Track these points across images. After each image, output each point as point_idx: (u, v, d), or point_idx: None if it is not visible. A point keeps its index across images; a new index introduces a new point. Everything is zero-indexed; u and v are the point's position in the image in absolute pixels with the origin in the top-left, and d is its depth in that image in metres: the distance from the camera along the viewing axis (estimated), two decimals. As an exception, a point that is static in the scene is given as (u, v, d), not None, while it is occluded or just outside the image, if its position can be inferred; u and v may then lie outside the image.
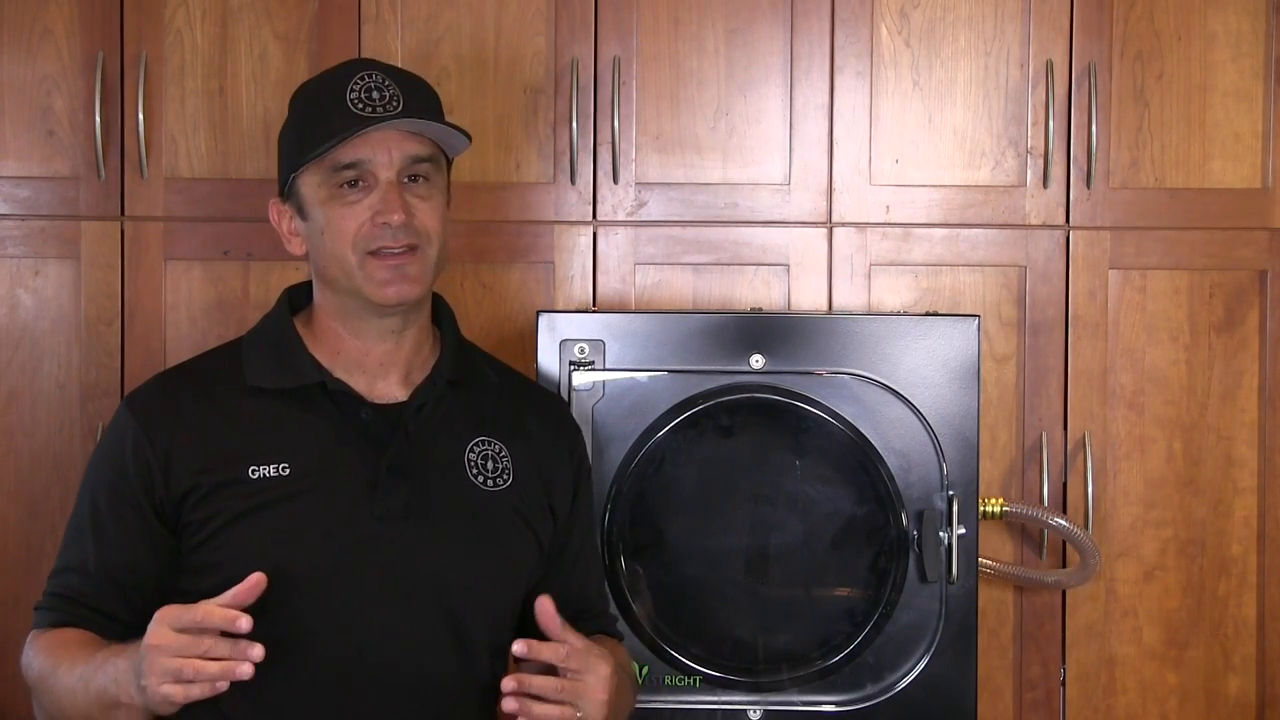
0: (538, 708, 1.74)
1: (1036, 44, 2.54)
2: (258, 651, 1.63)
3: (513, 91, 2.54)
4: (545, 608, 1.78)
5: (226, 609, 1.64)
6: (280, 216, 1.95)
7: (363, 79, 1.88)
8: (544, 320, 2.29)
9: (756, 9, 2.54)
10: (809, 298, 2.53)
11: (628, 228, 2.53)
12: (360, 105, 1.86)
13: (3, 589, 2.53)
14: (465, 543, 1.88)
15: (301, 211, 1.91)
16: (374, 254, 1.86)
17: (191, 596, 1.70)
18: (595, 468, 2.17)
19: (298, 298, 1.99)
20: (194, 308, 2.53)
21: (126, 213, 2.53)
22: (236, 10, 2.54)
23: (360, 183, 1.86)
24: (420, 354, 1.97)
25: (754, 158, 2.55)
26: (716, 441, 2.31)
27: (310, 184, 1.88)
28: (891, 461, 2.28)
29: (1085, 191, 2.53)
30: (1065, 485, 2.52)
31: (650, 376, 2.29)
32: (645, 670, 2.26)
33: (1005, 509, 2.42)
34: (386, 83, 1.88)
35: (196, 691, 1.63)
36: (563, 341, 2.28)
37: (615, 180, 2.52)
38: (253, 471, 1.83)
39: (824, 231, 2.54)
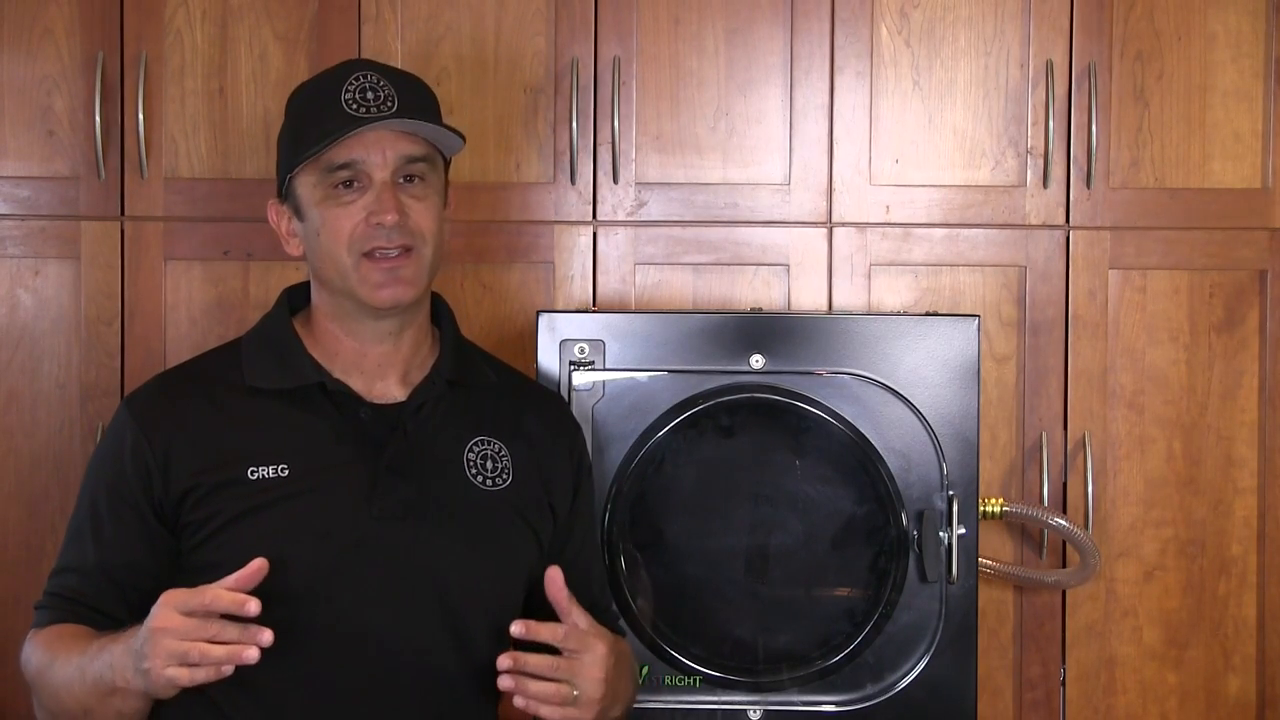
0: (533, 685, 1.75)
1: (1036, 44, 2.54)
2: (267, 636, 1.63)
3: (513, 91, 2.54)
4: (554, 577, 1.80)
5: (235, 593, 1.64)
6: (279, 217, 1.96)
7: (358, 79, 1.88)
8: (544, 320, 2.29)
9: (756, 9, 2.54)
10: (809, 298, 2.53)
11: (628, 228, 2.53)
12: (355, 105, 1.86)
13: (3, 589, 2.53)
14: (465, 542, 1.88)
15: (298, 212, 1.92)
16: (368, 256, 1.86)
17: (191, 596, 1.70)
18: (595, 468, 2.17)
19: (297, 298, 2.00)
20: (194, 308, 2.53)
21: (126, 213, 2.53)
22: (236, 10, 2.54)
23: (355, 183, 1.87)
24: (419, 354, 1.97)
25: (754, 158, 2.55)
26: (716, 441, 2.31)
27: (306, 184, 1.89)
28: (891, 461, 2.28)
29: (1085, 191, 2.53)
30: (1065, 485, 2.52)
31: (650, 376, 2.29)
32: (645, 670, 2.26)
33: (1005, 509, 2.42)
34: (381, 83, 1.88)
35: (202, 675, 1.63)
36: (563, 341, 2.29)
37: (615, 180, 2.52)
38: (252, 472, 1.84)
39: (824, 231, 2.54)
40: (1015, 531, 2.55)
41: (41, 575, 1.92)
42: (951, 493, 2.27)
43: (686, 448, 2.30)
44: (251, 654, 1.62)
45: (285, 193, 1.93)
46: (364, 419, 1.89)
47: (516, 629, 1.76)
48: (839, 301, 2.53)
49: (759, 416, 2.31)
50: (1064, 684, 2.54)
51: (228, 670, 1.63)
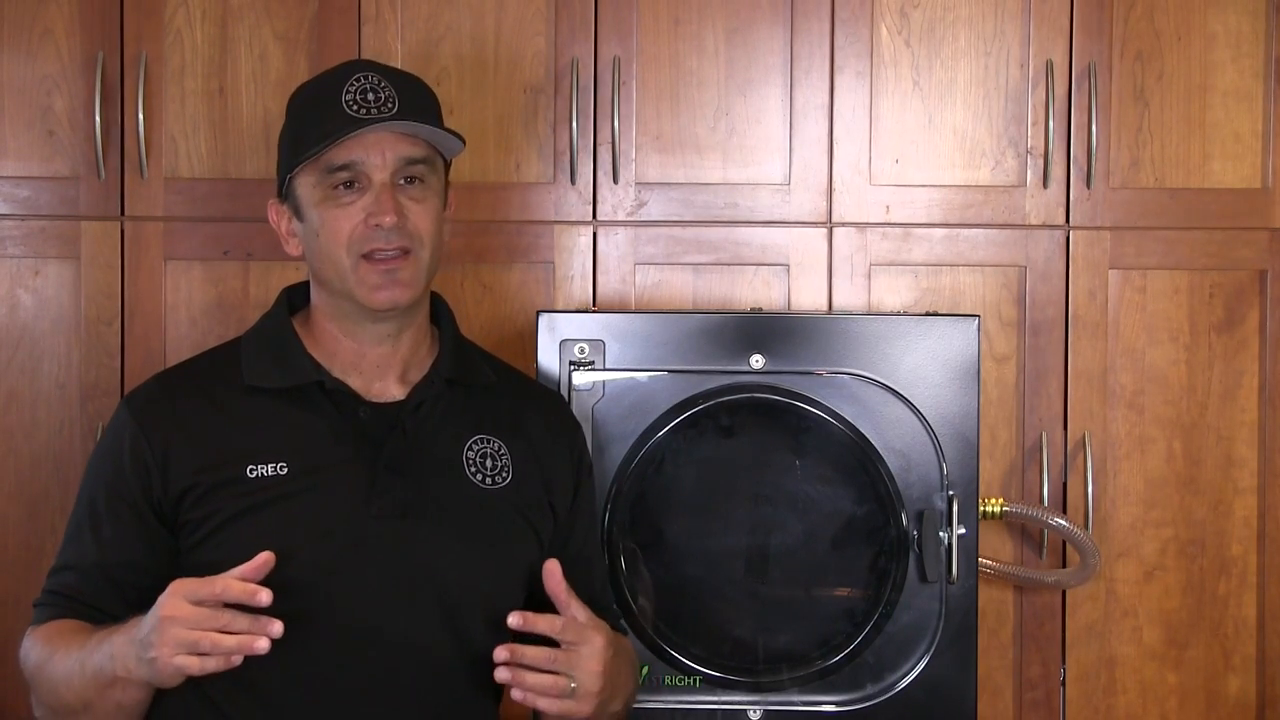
0: (531, 677, 1.75)
1: (1036, 44, 2.54)
2: (277, 628, 1.64)
3: (513, 91, 2.54)
4: (552, 570, 1.80)
5: (246, 583, 1.65)
6: (279, 217, 1.96)
7: (358, 80, 1.88)
8: (544, 320, 2.29)
9: (756, 9, 2.54)
10: (809, 298, 2.53)
11: (628, 228, 2.53)
12: (355, 107, 1.86)
13: (3, 589, 2.54)
14: (464, 541, 1.88)
15: (298, 212, 1.92)
16: (367, 257, 1.86)
17: (190, 595, 1.71)
18: (595, 467, 2.16)
19: (296, 297, 2.00)
20: (194, 308, 2.53)
21: (126, 213, 2.53)
22: (236, 10, 2.54)
23: (354, 184, 1.87)
24: (418, 354, 1.97)
25: (754, 158, 2.55)
26: (716, 441, 2.31)
27: (306, 185, 1.89)
28: (891, 461, 2.28)
29: (1085, 191, 2.53)
30: (1065, 485, 2.52)
31: (650, 376, 2.29)
32: (645, 670, 2.26)
33: (1005, 509, 2.42)
34: (382, 84, 1.88)
35: (212, 664, 1.64)
36: (563, 341, 2.29)
37: (615, 180, 2.52)
38: (251, 471, 1.84)
39: (824, 231, 2.54)
40: (1015, 531, 2.55)
41: (41, 575, 1.92)
42: (951, 493, 2.26)
43: (686, 448, 2.30)
44: (262, 644, 1.63)
45: (285, 193, 1.93)
46: (363, 418, 1.89)
47: (514, 620, 1.76)
48: (839, 301, 2.53)
49: (759, 416, 2.31)
50: (1064, 684, 2.54)
51: (237, 660, 1.64)
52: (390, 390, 1.93)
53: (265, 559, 1.69)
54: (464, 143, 1.94)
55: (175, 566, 1.83)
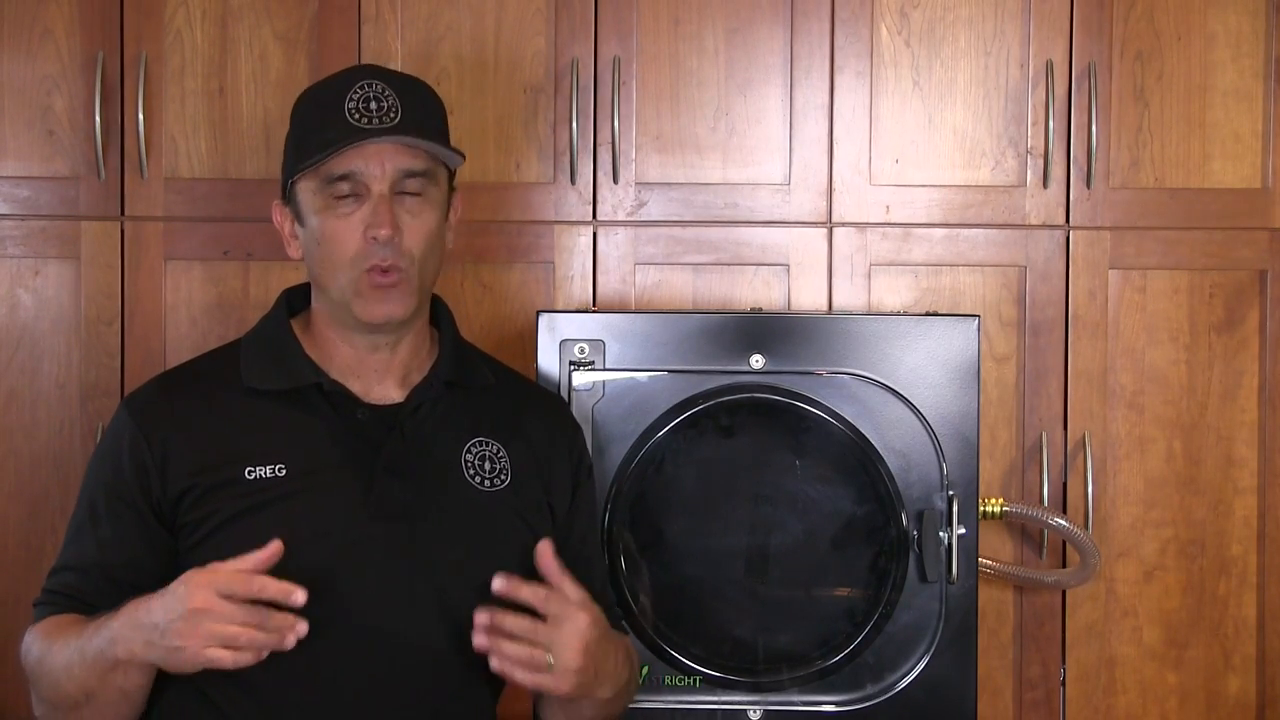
0: (508, 646, 1.74)
1: (1036, 44, 2.53)
2: (304, 627, 1.67)
3: (513, 91, 2.54)
4: (544, 550, 1.79)
5: (282, 582, 1.67)
6: (282, 219, 1.96)
7: (362, 88, 1.87)
8: (544, 320, 2.29)
9: (756, 9, 2.54)
10: (809, 298, 2.53)
11: (628, 228, 2.53)
12: (357, 116, 1.85)
13: (3, 589, 2.54)
14: (462, 543, 1.88)
15: (299, 217, 1.92)
16: (367, 272, 1.86)
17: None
18: (595, 467, 2.16)
19: (296, 300, 2.00)
20: (194, 308, 2.53)
21: (126, 213, 2.53)
22: (236, 10, 2.54)
23: (354, 194, 1.86)
24: (418, 357, 1.97)
25: (754, 158, 2.55)
26: (716, 441, 2.31)
27: (307, 191, 1.89)
28: (891, 461, 2.28)
29: (1085, 191, 2.53)
30: (1065, 485, 2.52)
31: (650, 376, 2.29)
32: (645, 670, 2.26)
33: (1005, 509, 2.42)
34: (386, 93, 1.87)
35: (245, 659, 1.66)
36: (563, 341, 2.29)
37: (615, 180, 2.52)
38: (249, 472, 1.84)
39: (824, 231, 2.54)
40: (1015, 531, 2.55)
41: (41, 575, 1.92)
42: (951, 493, 2.26)
43: (686, 448, 2.30)
44: (290, 641, 1.66)
45: (288, 196, 1.93)
46: (361, 420, 1.89)
47: (498, 584, 1.75)
48: (839, 301, 2.53)
49: (759, 416, 2.31)
50: (1064, 684, 2.54)
51: (263, 655, 1.67)
52: (390, 393, 1.93)
53: (276, 548, 1.69)
54: (464, 157, 1.94)
55: (174, 567, 1.83)
